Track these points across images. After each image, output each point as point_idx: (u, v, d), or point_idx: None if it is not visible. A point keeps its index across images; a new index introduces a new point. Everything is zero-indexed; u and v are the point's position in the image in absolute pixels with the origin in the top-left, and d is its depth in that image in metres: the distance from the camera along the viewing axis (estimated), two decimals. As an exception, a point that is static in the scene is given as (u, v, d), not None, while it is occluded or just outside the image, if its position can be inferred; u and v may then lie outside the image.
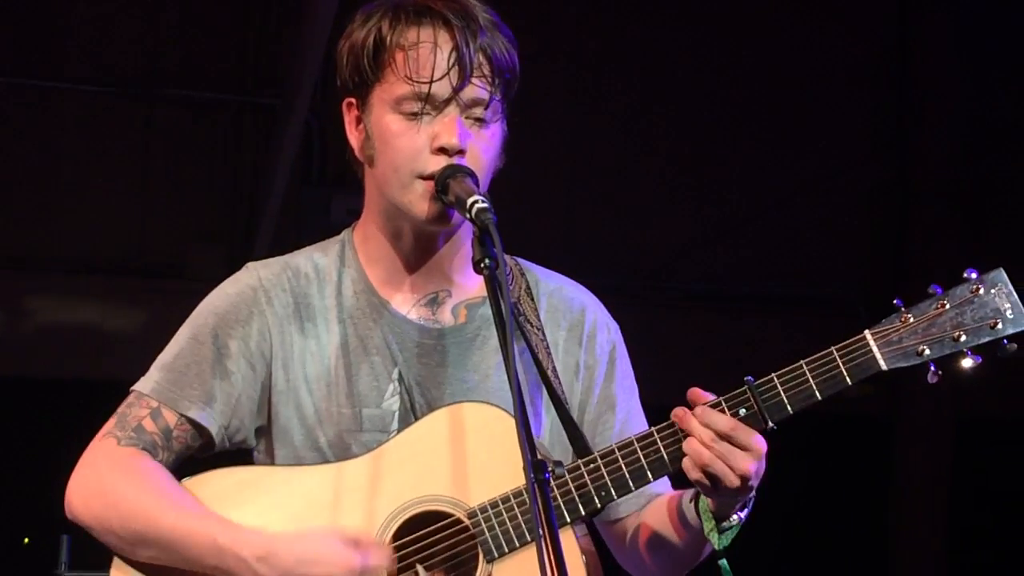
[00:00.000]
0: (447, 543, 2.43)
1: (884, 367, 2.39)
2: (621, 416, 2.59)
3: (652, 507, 2.56)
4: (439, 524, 2.43)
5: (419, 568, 2.42)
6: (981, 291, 2.40)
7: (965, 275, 2.42)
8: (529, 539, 2.40)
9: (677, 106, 7.58)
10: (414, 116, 2.44)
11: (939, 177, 7.62)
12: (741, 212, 7.71)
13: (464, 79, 2.43)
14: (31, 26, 7.00)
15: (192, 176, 7.22)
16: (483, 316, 2.55)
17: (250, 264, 2.61)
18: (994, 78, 7.61)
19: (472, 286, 2.57)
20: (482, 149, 2.46)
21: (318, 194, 7.12)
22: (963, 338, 2.38)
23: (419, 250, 2.55)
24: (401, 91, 2.44)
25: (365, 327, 2.55)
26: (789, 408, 2.39)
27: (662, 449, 2.41)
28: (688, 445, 2.37)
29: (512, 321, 2.28)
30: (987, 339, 2.38)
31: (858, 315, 7.25)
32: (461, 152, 2.43)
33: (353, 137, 2.55)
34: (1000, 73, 7.60)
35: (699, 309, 7.67)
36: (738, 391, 2.40)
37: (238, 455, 2.60)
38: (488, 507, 2.41)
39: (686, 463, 2.36)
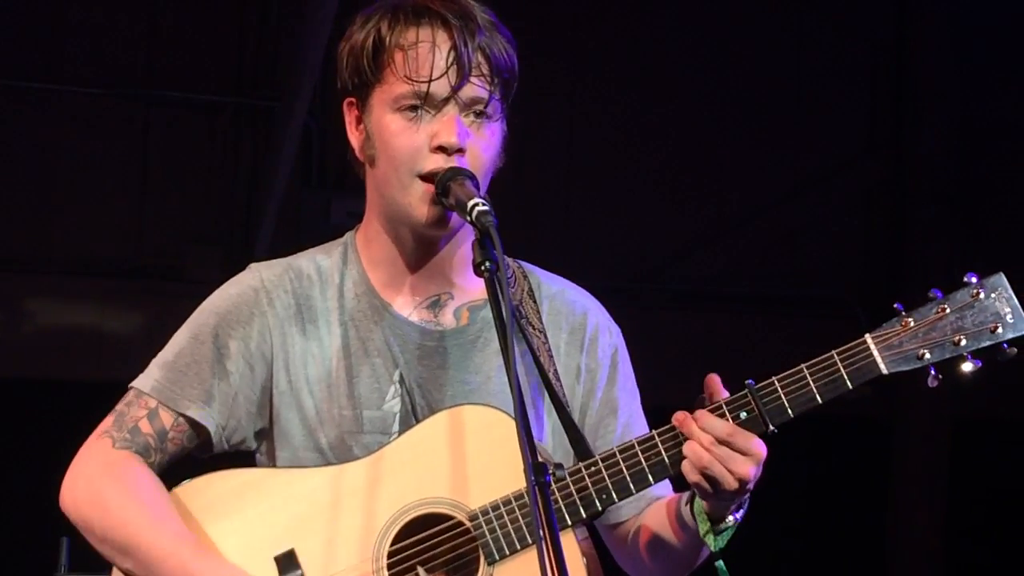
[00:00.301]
0: (448, 545, 2.43)
1: (885, 371, 2.40)
2: (623, 420, 2.60)
3: (651, 510, 2.57)
4: (440, 527, 2.43)
5: (419, 570, 2.42)
6: (981, 295, 2.41)
7: (965, 279, 2.43)
8: (530, 541, 2.40)
9: (674, 107, 7.58)
10: (413, 115, 2.45)
11: (936, 178, 7.62)
12: (738, 213, 7.71)
13: (463, 78, 2.44)
14: (30, 27, 6.99)
15: (191, 178, 7.21)
16: (485, 318, 2.55)
17: (253, 265, 2.61)
18: (991, 79, 7.61)
19: (474, 288, 2.57)
20: (482, 148, 2.47)
21: (317, 196, 7.11)
22: (963, 342, 2.39)
23: (420, 252, 2.55)
24: (400, 90, 2.45)
25: (367, 329, 2.55)
26: (790, 412, 2.40)
27: (663, 452, 2.41)
28: (688, 448, 2.38)
29: (513, 323, 2.29)
30: (987, 343, 2.39)
31: (855, 316, 7.26)
32: (460, 151, 2.44)
33: (354, 137, 2.55)
34: (997, 74, 7.61)
35: (696, 310, 7.67)
36: (739, 394, 2.41)
37: (239, 458, 2.60)
38: (489, 509, 2.42)
39: (685, 465, 2.37)
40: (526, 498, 2.40)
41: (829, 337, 2.47)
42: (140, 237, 7.18)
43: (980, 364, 2.39)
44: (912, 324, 2.41)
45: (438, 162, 2.44)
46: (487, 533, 2.41)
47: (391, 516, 2.43)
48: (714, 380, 2.41)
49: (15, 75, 6.95)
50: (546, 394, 2.54)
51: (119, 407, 2.54)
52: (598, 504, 2.42)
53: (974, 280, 2.43)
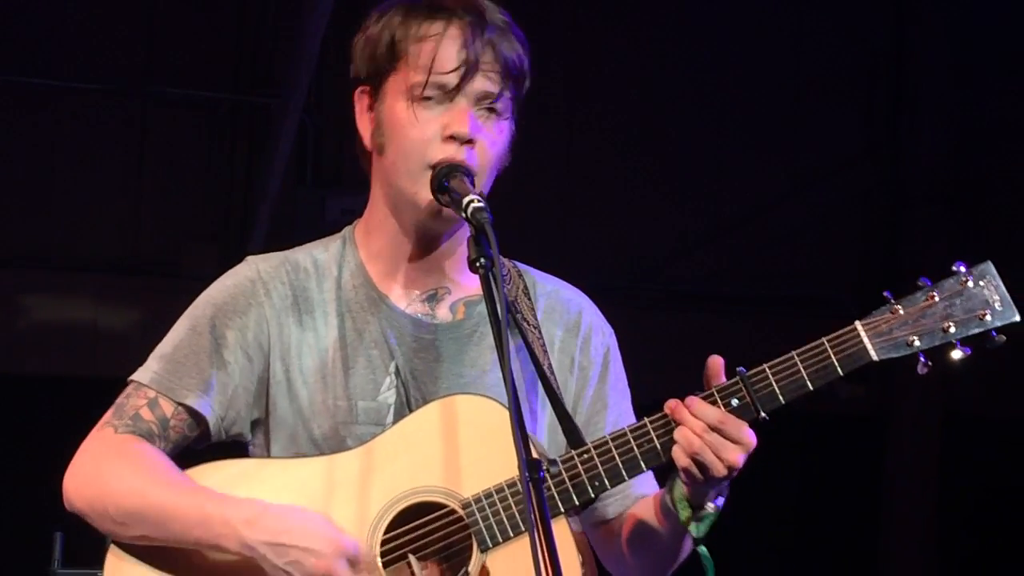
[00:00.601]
0: (441, 533, 2.44)
1: (875, 357, 2.42)
2: (612, 418, 2.61)
3: (636, 505, 2.59)
4: (433, 515, 2.44)
5: (411, 558, 2.43)
6: (970, 283, 2.42)
7: (954, 268, 2.45)
8: (524, 529, 2.41)
9: (671, 105, 7.60)
10: (426, 106, 2.49)
11: (932, 177, 7.64)
12: (736, 212, 7.72)
13: (475, 71, 2.49)
14: (27, 24, 7.00)
15: (186, 175, 7.22)
16: (481, 313, 2.57)
17: (249, 257, 2.63)
18: (988, 78, 7.63)
19: (471, 285, 2.59)
20: (490, 143, 2.51)
21: (313, 194, 7.13)
22: (952, 329, 2.40)
23: (421, 245, 2.57)
24: (414, 80, 2.49)
25: (363, 320, 2.57)
26: (781, 398, 2.41)
27: (655, 439, 2.43)
28: (679, 434, 2.39)
29: (508, 319, 2.31)
30: (976, 330, 2.40)
31: (851, 315, 7.25)
32: (471, 142, 2.48)
33: (363, 126, 2.58)
34: (994, 73, 7.62)
35: (692, 309, 7.68)
36: (730, 382, 2.42)
37: (233, 448, 2.61)
38: (482, 497, 2.43)
39: (676, 451, 2.39)
40: (519, 485, 2.41)
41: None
42: (136, 233, 7.19)
43: (969, 351, 2.41)
44: (901, 312, 2.43)
45: (448, 151, 2.47)
46: (480, 521, 2.42)
47: (384, 505, 2.44)
48: (716, 362, 2.43)
49: (12, 71, 6.96)
50: (541, 388, 2.55)
51: (118, 400, 2.55)
52: (591, 491, 2.43)
53: (963, 269, 2.44)
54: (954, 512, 7.60)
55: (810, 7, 7.67)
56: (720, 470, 2.36)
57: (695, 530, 2.42)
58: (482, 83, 2.50)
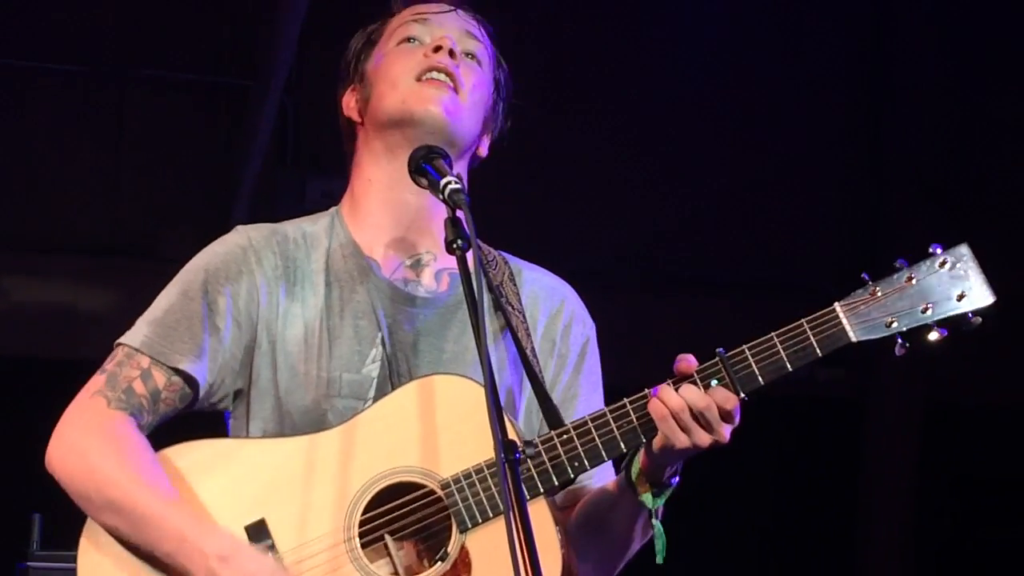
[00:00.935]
0: (420, 514, 2.45)
1: (854, 338, 2.43)
2: (582, 408, 2.61)
3: (592, 492, 2.60)
4: (412, 495, 2.44)
5: (387, 538, 2.44)
6: (947, 265, 2.44)
7: (931, 250, 2.46)
8: (503, 510, 2.42)
9: (651, 91, 7.59)
10: (410, 47, 2.63)
11: (912, 165, 7.66)
12: (715, 198, 7.73)
13: (458, 6, 2.67)
14: (2, 5, 6.95)
15: (166, 157, 7.18)
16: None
17: (239, 226, 2.64)
18: (969, 66, 7.64)
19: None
20: (473, 84, 2.61)
21: (293, 176, 7.10)
22: (930, 311, 2.42)
23: (405, 209, 2.60)
24: (401, 29, 2.65)
25: (351, 290, 2.58)
26: (760, 379, 2.42)
27: (635, 419, 2.43)
28: (663, 393, 2.40)
29: (485, 299, 2.32)
30: (953, 312, 2.42)
31: (831, 301, 7.27)
32: (453, 54, 2.59)
33: (348, 105, 2.68)
34: (975, 61, 7.64)
35: (674, 296, 7.69)
36: (710, 363, 2.43)
37: (212, 426, 2.60)
38: (461, 478, 2.43)
39: (656, 410, 2.39)
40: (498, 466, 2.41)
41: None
42: (114, 215, 7.16)
43: (946, 333, 2.42)
44: (879, 293, 2.44)
45: (433, 60, 2.58)
46: (459, 502, 2.42)
47: (362, 485, 2.44)
48: (687, 362, 2.43)
49: (-12, 53, 6.91)
50: (523, 370, 2.56)
51: (109, 367, 2.53)
52: (570, 472, 2.44)
53: (939, 251, 2.46)
54: (932, 497, 7.64)
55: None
56: (703, 441, 2.39)
57: (651, 502, 2.44)
58: (465, 23, 2.65)
